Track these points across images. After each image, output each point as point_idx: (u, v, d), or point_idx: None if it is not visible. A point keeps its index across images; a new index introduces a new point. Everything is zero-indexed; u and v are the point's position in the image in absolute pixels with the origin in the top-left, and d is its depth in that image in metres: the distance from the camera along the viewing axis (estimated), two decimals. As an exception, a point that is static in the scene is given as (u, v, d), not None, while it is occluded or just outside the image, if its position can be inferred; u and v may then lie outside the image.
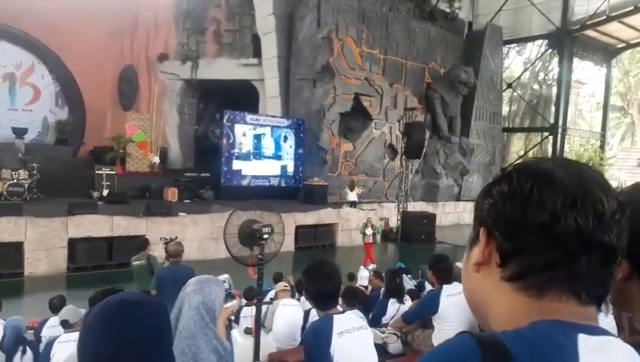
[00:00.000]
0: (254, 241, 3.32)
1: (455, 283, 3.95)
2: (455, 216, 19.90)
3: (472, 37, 21.06)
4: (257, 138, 15.59)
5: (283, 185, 16.29)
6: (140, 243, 7.23)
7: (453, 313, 3.79)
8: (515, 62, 29.20)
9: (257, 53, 17.17)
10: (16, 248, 9.90)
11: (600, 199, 0.68)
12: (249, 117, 15.65)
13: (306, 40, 16.10)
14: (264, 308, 4.56)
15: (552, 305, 0.69)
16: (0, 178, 11.91)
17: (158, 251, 7.24)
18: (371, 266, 9.89)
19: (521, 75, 26.88)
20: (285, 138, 16.14)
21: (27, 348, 4.39)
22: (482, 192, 0.78)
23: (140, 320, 1.13)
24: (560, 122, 22.00)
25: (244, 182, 15.36)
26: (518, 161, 0.79)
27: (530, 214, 0.68)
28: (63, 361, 3.10)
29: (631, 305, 0.92)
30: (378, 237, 11.95)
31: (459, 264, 4.97)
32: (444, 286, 3.98)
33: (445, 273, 4.09)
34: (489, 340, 0.65)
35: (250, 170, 15.51)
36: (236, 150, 15.26)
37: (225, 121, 14.97)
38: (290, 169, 16.41)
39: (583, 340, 0.66)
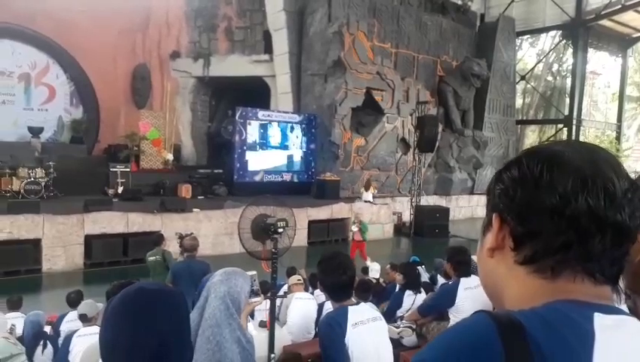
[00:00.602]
0: (267, 235, 3.34)
1: (473, 276, 3.94)
2: (469, 209, 19.79)
3: (485, 29, 20.85)
4: (263, 128, 15.52)
5: (295, 180, 16.32)
6: (155, 238, 7.31)
7: (470, 306, 3.78)
8: (528, 54, 28.88)
9: (268, 49, 17.18)
10: (35, 245, 10.08)
11: (611, 178, 0.69)
12: (261, 113, 15.69)
13: (316, 35, 16.07)
14: (278, 301, 4.59)
15: (567, 286, 0.69)
16: (17, 176, 12.12)
17: (172, 247, 7.31)
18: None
19: (535, 66, 26.55)
20: (292, 128, 16.07)
21: (47, 342, 4.48)
22: (494, 178, 0.79)
23: (159, 308, 1.15)
24: (575, 114, 21.70)
25: (257, 178, 15.42)
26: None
27: (542, 197, 0.69)
28: (82, 354, 3.16)
29: None
30: (367, 235, 11.07)
31: (474, 257, 4.96)
32: (462, 279, 3.97)
33: (463, 265, 4.07)
34: (504, 317, 0.66)
35: (257, 160, 15.43)
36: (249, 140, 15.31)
37: (237, 117, 15.02)
38: (297, 159, 16.32)
39: (599, 318, 0.66)
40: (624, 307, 0.99)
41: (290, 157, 16.20)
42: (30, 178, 12.07)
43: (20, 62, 17.31)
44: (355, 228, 11.02)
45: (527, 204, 0.71)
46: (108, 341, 1.14)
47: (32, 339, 4.61)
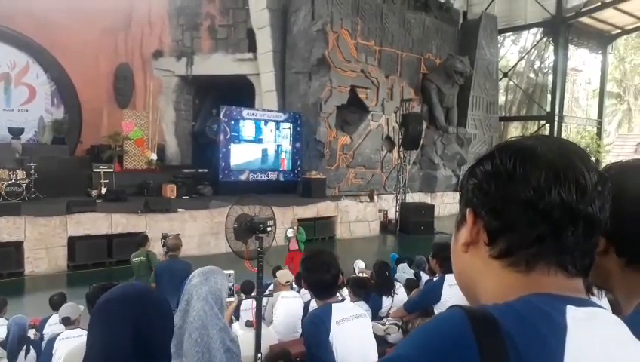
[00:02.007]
0: (252, 234, 3.34)
1: (457, 273, 3.97)
2: (454, 206, 19.95)
3: (467, 27, 21.02)
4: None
5: (281, 179, 16.31)
6: (139, 239, 7.27)
7: (455, 302, 3.80)
8: (510, 51, 29.19)
9: (252, 47, 17.12)
10: (16, 248, 9.93)
11: (582, 171, 0.70)
12: (245, 112, 15.63)
13: (300, 33, 16.06)
14: (264, 300, 4.59)
15: (541, 279, 0.70)
16: (-2, 178, 11.92)
17: (157, 248, 7.26)
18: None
19: (517, 63, 26.85)
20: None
21: (30, 346, 4.42)
22: (466, 173, 0.79)
23: (143, 308, 1.16)
24: (556, 110, 22.03)
25: (242, 177, 15.37)
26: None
27: (515, 191, 0.70)
28: (64, 357, 3.13)
29: (608, 280, 0.94)
30: (303, 245, 9.42)
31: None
32: (447, 276, 4.00)
33: (449, 261, 4.10)
34: (478, 312, 0.66)
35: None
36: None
37: (221, 116, 14.95)
38: (271, 153, 16.21)
39: (571, 311, 0.66)
40: (605, 301, 1.01)
41: (264, 151, 16.04)
42: (11, 180, 11.87)
43: (-1, 62, 17.01)
44: (290, 234, 9.44)
45: (501, 198, 0.71)
46: (93, 340, 1.14)
47: (15, 344, 4.54)
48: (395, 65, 18.07)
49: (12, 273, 9.70)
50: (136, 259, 6.79)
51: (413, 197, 17.73)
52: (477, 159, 0.78)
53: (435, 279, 4.44)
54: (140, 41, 18.66)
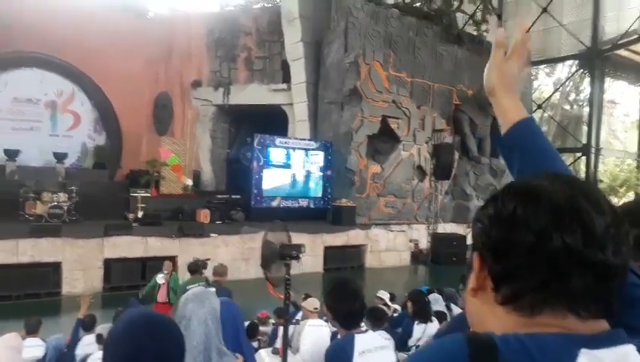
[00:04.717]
0: (280, 261, 3.41)
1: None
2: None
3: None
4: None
5: (312, 206, 16.41)
6: (194, 266, 6.87)
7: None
8: (544, 83, 28.85)
9: (286, 78, 17.55)
10: (55, 268, 10.28)
11: (589, 214, 0.65)
12: (278, 140, 15.94)
13: (333, 65, 16.40)
14: (291, 328, 4.63)
15: (549, 321, 0.67)
16: (41, 201, 12.44)
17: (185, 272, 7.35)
18: None
19: (551, 95, 26.51)
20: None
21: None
22: (474, 217, 0.77)
23: (158, 331, 1.19)
24: (593, 142, 21.54)
25: (274, 204, 15.56)
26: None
27: (516, 235, 0.67)
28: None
29: None
30: (175, 298, 6.85)
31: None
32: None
33: None
34: (480, 338, 0.65)
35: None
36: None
37: (255, 144, 15.28)
38: (302, 180, 16.37)
39: (586, 356, 0.63)
40: None
41: (294, 176, 16.19)
42: (53, 202, 12.38)
43: (47, 89, 17.94)
44: (161, 281, 7.28)
45: (502, 243, 0.68)
46: (110, 354, 1.17)
47: (54, 363, 4.71)
48: (427, 96, 18.14)
49: (50, 293, 10.03)
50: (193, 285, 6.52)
51: (445, 228, 17.52)
52: (485, 201, 0.76)
53: (462, 312, 4.41)
54: (179, 71, 19.40)
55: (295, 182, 16.20)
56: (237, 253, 12.11)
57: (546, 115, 26.15)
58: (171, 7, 21.17)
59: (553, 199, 0.67)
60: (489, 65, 1.10)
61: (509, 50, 1.09)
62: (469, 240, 16.66)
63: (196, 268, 6.83)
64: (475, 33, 20.13)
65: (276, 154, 15.81)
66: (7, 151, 15.71)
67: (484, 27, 20.11)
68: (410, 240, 16.40)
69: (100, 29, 17.04)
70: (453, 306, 6.54)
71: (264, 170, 15.47)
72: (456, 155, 17.99)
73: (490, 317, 0.71)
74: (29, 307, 8.75)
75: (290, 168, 16.08)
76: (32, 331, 5.32)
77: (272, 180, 15.67)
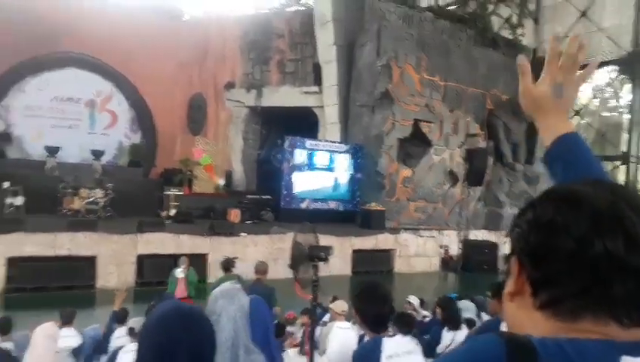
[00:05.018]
0: (308, 262, 3.42)
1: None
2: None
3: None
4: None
5: (341, 208, 16.40)
6: (227, 264, 6.99)
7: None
8: (582, 89, 28.05)
9: (318, 81, 17.61)
10: (90, 262, 10.60)
11: (630, 219, 0.64)
12: (308, 142, 16.01)
13: (365, 68, 16.36)
14: (317, 329, 4.63)
15: (590, 328, 0.65)
16: (79, 196, 12.85)
17: (219, 270, 7.46)
18: None
19: (590, 101, 25.74)
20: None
21: (100, 356, 4.71)
22: (513, 221, 0.76)
23: (191, 323, 1.19)
24: (633, 151, 20.79)
25: (303, 205, 15.62)
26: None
27: (556, 241, 0.66)
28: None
29: None
30: (194, 291, 7.82)
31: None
32: (505, 316, 3.89)
33: None
34: (518, 339, 0.64)
35: (304, 180, 15.70)
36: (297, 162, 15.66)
37: (286, 146, 15.39)
38: (343, 182, 16.42)
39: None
40: None
41: (337, 180, 16.26)
42: (90, 198, 12.77)
43: (87, 89, 18.53)
44: (180, 275, 7.75)
45: (541, 248, 0.68)
46: (142, 358, 1.18)
47: (91, 353, 4.85)
48: (460, 100, 17.90)
49: (85, 286, 10.35)
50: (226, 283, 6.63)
51: (477, 235, 17.22)
52: (523, 206, 0.75)
53: (491, 319, 4.32)
54: (213, 73, 19.72)
55: (326, 186, 16.24)
56: (266, 253, 12.19)
57: (583, 121, 25.40)
58: (206, 10, 21.58)
59: (594, 204, 0.66)
60: (520, 92, 1.09)
61: (545, 69, 1.08)
62: (504, 249, 16.34)
63: (229, 265, 6.91)
64: (510, 37, 19.76)
65: (308, 159, 15.91)
66: (48, 148, 16.29)
67: (520, 31, 19.71)
68: (441, 246, 16.19)
69: (138, 32, 17.51)
70: (484, 314, 6.41)
71: (295, 174, 15.59)
72: (490, 161, 17.67)
73: (527, 321, 0.70)
74: (65, 298, 9.01)
75: (322, 172, 16.16)
76: (67, 321, 5.50)
77: (303, 184, 15.77)
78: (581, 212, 0.66)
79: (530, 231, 0.70)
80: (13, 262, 9.96)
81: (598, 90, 26.42)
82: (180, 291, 7.51)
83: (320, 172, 16.01)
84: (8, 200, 12.23)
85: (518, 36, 19.76)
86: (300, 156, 15.63)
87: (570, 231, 0.65)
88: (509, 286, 0.74)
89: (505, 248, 16.24)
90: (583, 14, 20.62)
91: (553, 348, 0.62)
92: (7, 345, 4.61)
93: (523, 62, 1.08)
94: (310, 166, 15.82)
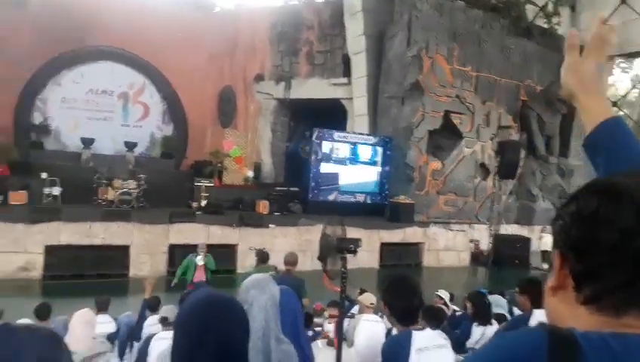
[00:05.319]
0: (337, 254, 3.41)
1: (547, 309, 3.75)
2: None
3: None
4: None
5: (368, 201, 16.33)
6: (262, 255, 7.04)
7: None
8: (620, 80, 27.14)
9: (347, 72, 17.52)
10: (124, 251, 10.88)
11: None
12: (337, 134, 15.96)
13: (395, 58, 16.17)
14: (345, 322, 4.63)
15: (635, 322, 0.64)
16: (112, 187, 13.16)
17: (248, 260, 7.57)
18: None
19: (629, 92, 24.86)
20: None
21: (134, 342, 4.83)
22: (555, 215, 0.75)
23: (222, 312, 1.21)
24: (675, 143, 19.96)
25: (331, 197, 15.62)
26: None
27: (600, 234, 0.65)
28: (157, 355, 3.38)
29: None
30: (210, 276, 8.04)
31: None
32: (535, 311, 3.80)
33: (538, 297, 3.89)
34: (561, 333, 0.63)
35: (347, 173, 15.74)
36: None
37: (314, 138, 15.40)
38: (371, 174, 16.32)
39: None
40: None
41: (380, 174, 16.23)
42: (124, 189, 13.06)
43: (120, 82, 18.94)
44: (200, 262, 7.94)
45: (584, 241, 0.67)
46: (177, 345, 1.20)
47: (125, 339, 4.98)
48: (493, 91, 17.51)
49: (119, 274, 10.63)
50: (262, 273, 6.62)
51: (508, 229, 16.91)
52: (566, 199, 0.74)
53: (522, 313, 4.22)
54: (243, 66, 19.86)
55: (354, 179, 16.17)
56: (294, 244, 12.26)
57: (621, 113, 24.56)
58: (237, 3, 21.70)
59: (636, 197, 0.65)
60: (564, 68, 1.05)
61: (585, 49, 1.03)
62: (536, 244, 15.98)
63: (266, 257, 6.94)
64: (545, 26, 19.17)
65: (336, 151, 15.88)
66: (83, 140, 16.74)
67: (555, 20, 19.09)
68: (471, 241, 15.97)
69: (170, 24, 17.76)
70: (515, 309, 6.29)
71: (323, 166, 15.58)
72: (523, 154, 17.27)
73: (570, 316, 0.69)
74: (99, 286, 9.29)
75: (350, 165, 16.09)
76: (102, 308, 5.67)
77: (331, 177, 15.74)
78: (624, 204, 0.65)
79: (572, 223, 0.69)
80: (50, 250, 10.31)
81: (638, 80, 25.50)
82: (199, 276, 7.80)
83: (348, 165, 15.96)
84: (46, 190, 12.65)
85: (554, 25, 19.15)
86: (327, 148, 15.62)
87: (614, 224, 0.64)
88: (551, 281, 0.73)
89: (539, 243, 15.88)
90: (623, 1, 19.80)
91: (597, 342, 0.61)
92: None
93: (573, 35, 1.03)
94: (338, 158, 15.79)
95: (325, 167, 15.54)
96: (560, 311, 0.71)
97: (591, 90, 1.02)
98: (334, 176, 15.64)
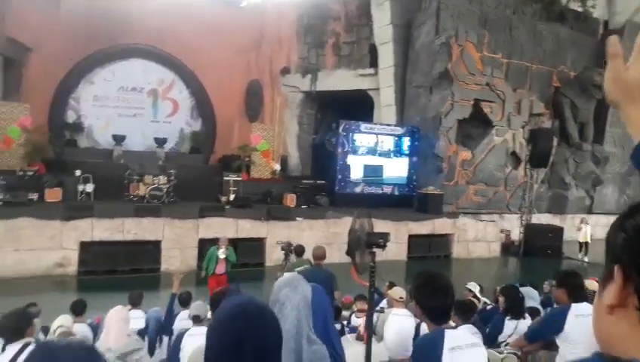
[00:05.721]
0: (366, 248, 3.38)
1: (585, 304, 3.63)
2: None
3: (608, 37, 19.05)
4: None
5: (396, 193, 16.19)
6: (300, 249, 7.07)
7: (580, 336, 3.48)
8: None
9: (374, 63, 17.35)
10: (155, 246, 11.08)
11: None
12: (363, 126, 15.85)
13: (423, 47, 15.91)
14: (375, 316, 4.60)
15: None
16: (143, 182, 13.41)
17: (276, 254, 7.59)
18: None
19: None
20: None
21: (164, 337, 4.91)
22: (614, 225, 0.68)
23: (256, 319, 1.22)
24: None
25: (357, 190, 15.55)
26: None
27: None
28: (191, 352, 3.42)
29: None
30: (230, 268, 8.38)
31: (587, 282, 4.58)
32: (573, 305, 3.67)
33: (577, 290, 3.76)
34: None
35: (359, 164, 15.69)
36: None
37: (340, 130, 15.33)
38: (388, 166, 16.19)
39: None
40: None
41: (393, 165, 16.11)
42: (154, 184, 13.29)
43: (150, 78, 19.21)
44: (222, 255, 8.25)
45: None
46: (210, 348, 1.22)
47: (155, 334, 5.07)
48: (524, 78, 17.04)
49: (150, 269, 10.83)
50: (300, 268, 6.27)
51: (540, 219, 16.53)
52: (629, 208, 0.68)
53: (558, 307, 4.09)
54: (269, 59, 19.89)
55: (381, 170, 16.05)
56: (321, 237, 12.25)
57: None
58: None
59: None
60: (607, 76, 0.97)
61: (633, 54, 0.95)
62: (569, 233, 15.59)
63: (300, 250, 6.94)
64: (580, 10, 18.51)
65: (363, 143, 15.83)
66: (115, 137, 17.10)
67: (590, 2, 18.39)
68: (501, 231, 15.68)
69: (197, 20, 17.89)
70: (548, 302, 6.15)
71: (350, 158, 15.53)
72: (555, 141, 16.81)
73: (629, 338, 0.63)
74: (132, 281, 9.47)
75: (377, 156, 16.02)
76: (135, 304, 5.77)
77: (358, 169, 15.72)
78: None
79: (638, 238, 0.63)
80: (84, 247, 10.58)
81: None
82: (221, 268, 8.24)
83: (375, 156, 15.86)
84: (80, 188, 12.98)
85: (589, 8, 18.47)
86: (354, 140, 15.54)
87: None
88: (609, 298, 0.66)
89: (577, 234, 15.40)
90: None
91: None
92: (82, 327, 4.89)
93: (614, 43, 0.95)
94: (365, 149, 15.70)
95: (364, 160, 15.61)
96: (617, 331, 0.66)
97: (636, 99, 0.95)
98: (379, 169, 15.71)
